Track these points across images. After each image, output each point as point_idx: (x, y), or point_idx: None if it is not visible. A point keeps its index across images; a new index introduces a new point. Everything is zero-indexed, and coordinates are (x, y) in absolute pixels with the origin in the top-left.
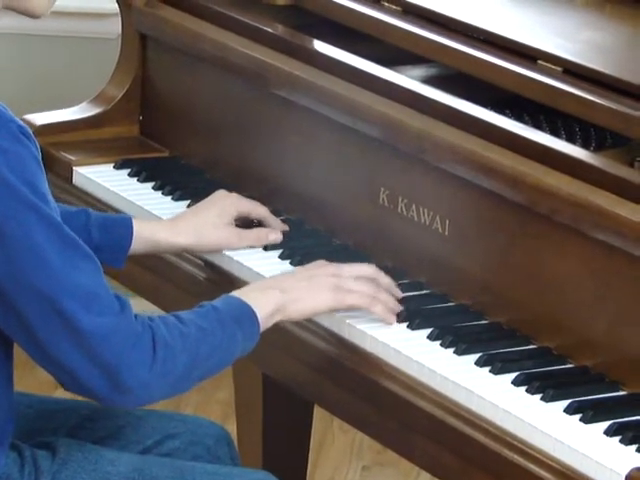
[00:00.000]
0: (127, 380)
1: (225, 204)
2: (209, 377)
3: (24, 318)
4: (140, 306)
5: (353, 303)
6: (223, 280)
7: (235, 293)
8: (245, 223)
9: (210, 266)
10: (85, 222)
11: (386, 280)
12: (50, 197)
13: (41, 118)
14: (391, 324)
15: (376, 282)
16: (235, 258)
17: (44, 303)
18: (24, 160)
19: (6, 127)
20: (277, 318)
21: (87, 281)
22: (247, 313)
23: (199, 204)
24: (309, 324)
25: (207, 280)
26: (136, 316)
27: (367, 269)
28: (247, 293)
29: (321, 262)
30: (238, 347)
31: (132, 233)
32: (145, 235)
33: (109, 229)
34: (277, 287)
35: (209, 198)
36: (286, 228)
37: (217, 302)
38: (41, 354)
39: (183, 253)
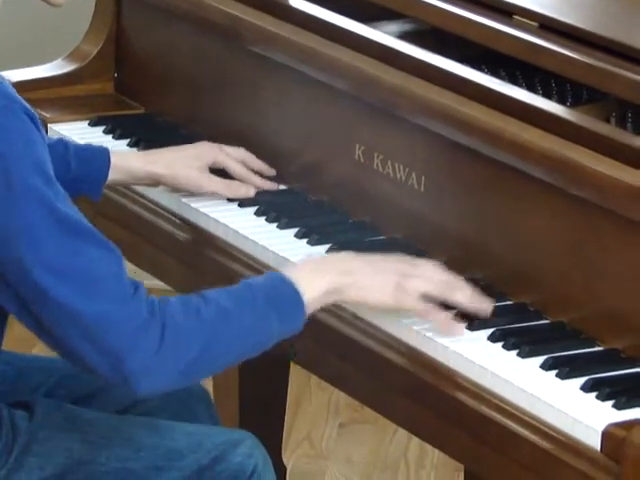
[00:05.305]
0: (130, 366)
1: (203, 149)
2: (242, 360)
3: (27, 306)
4: None
5: (411, 308)
6: (200, 237)
7: (286, 270)
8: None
9: (187, 223)
10: (63, 153)
11: (461, 285)
12: (54, 179)
13: (15, 75)
14: (458, 334)
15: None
16: (212, 215)
17: (40, 291)
18: (24, 137)
19: (11, 107)
20: (332, 299)
21: (90, 266)
22: (288, 294)
23: (179, 146)
24: None
25: (184, 238)
26: (148, 298)
27: (441, 275)
28: (298, 271)
29: (397, 257)
30: (273, 330)
31: (109, 164)
32: (121, 165)
33: (87, 160)
34: (335, 268)
35: (192, 144)
36: (265, 185)
37: (257, 278)
38: (49, 339)
39: (160, 210)
